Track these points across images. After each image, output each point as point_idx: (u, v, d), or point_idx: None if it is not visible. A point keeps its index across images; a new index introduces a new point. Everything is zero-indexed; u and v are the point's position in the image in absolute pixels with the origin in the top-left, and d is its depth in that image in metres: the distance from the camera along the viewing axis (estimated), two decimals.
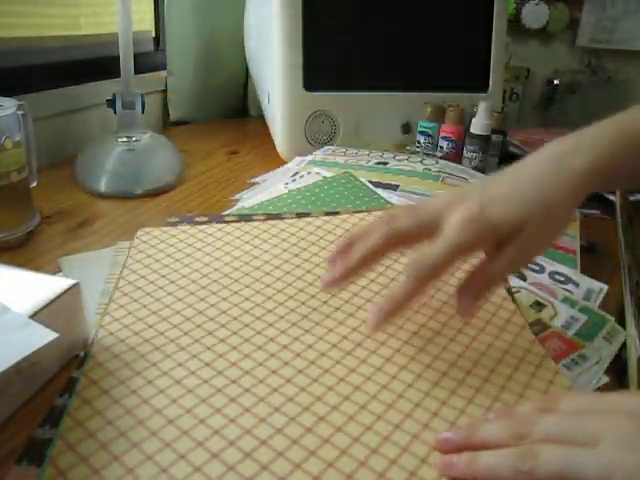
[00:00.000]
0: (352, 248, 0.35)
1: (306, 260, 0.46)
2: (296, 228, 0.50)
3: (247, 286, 0.42)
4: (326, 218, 0.52)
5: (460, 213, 0.33)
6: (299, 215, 0.53)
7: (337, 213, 0.54)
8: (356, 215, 0.53)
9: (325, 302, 0.40)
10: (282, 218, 0.53)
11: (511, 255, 0.34)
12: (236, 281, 0.43)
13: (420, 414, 0.31)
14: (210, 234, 0.49)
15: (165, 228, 0.50)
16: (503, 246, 0.34)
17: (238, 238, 0.49)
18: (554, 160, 0.36)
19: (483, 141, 0.69)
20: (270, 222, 0.51)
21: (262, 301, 0.40)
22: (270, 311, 0.39)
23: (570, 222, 0.39)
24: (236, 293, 0.41)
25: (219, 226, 0.50)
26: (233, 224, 0.51)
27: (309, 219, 0.52)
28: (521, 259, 0.36)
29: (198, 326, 0.37)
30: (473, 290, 0.34)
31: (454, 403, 0.32)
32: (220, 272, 0.44)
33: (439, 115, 0.74)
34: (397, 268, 0.45)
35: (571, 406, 0.27)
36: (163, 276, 0.43)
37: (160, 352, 0.35)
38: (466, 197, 0.35)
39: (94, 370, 0.33)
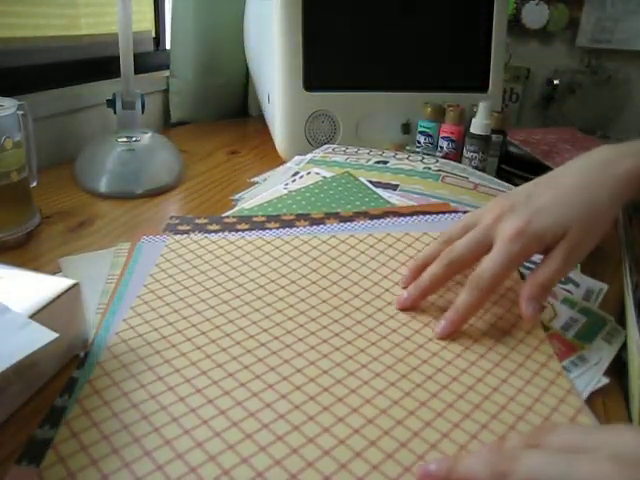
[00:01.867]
0: (419, 274, 0.41)
1: (323, 277, 0.45)
2: (318, 241, 0.49)
3: (269, 304, 0.41)
4: (344, 236, 0.51)
5: (509, 228, 0.37)
6: (299, 216, 0.53)
7: (337, 214, 0.54)
8: (373, 236, 0.51)
9: (348, 315, 0.40)
10: (283, 220, 0.53)
11: (557, 259, 0.37)
12: (259, 299, 0.41)
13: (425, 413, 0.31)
14: (240, 247, 0.48)
15: (195, 237, 0.49)
16: (550, 250, 0.38)
17: (267, 253, 0.47)
18: (599, 166, 0.40)
19: (483, 141, 0.69)
20: (287, 230, 0.51)
21: (281, 321, 0.39)
22: (290, 318, 0.39)
23: (611, 225, 0.40)
24: (257, 311, 0.40)
25: (250, 239, 0.49)
26: (253, 233, 0.50)
27: (328, 229, 0.51)
28: (568, 262, 0.37)
29: (217, 327, 0.37)
30: (533, 297, 0.37)
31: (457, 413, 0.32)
32: (243, 288, 0.42)
33: (439, 115, 0.74)
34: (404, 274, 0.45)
35: (557, 442, 0.26)
36: (190, 277, 0.43)
37: (176, 350, 0.35)
38: (513, 210, 0.38)
39: (108, 362, 0.33)
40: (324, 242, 0.49)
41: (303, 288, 0.43)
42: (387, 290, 0.43)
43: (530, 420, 0.31)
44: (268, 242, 0.49)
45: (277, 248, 0.48)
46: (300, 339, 0.37)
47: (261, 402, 0.31)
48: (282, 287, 0.43)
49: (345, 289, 0.43)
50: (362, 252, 0.48)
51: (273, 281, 0.43)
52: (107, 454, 0.27)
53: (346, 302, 0.41)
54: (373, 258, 0.47)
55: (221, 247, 0.48)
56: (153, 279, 0.43)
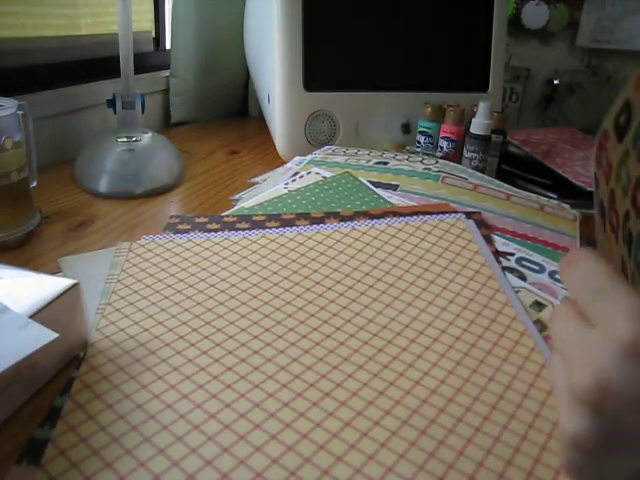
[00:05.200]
0: None
1: (315, 271, 0.45)
2: (304, 237, 0.49)
3: (244, 291, 0.42)
4: (334, 225, 0.52)
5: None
6: (299, 215, 0.53)
7: (337, 213, 0.54)
8: (362, 226, 0.53)
9: (323, 308, 0.40)
10: (283, 219, 0.53)
11: None
12: (233, 285, 0.42)
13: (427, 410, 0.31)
14: (217, 243, 0.48)
15: (167, 237, 0.49)
16: None
17: (245, 247, 0.48)
18: None
19: (483, 141, 0.69)
20: (278, 230, 0.51)
21: (259, 306, 0.40)
22: (267, 316, 0.39)
23: None
24: (233, 298, 0.41)
25: (217, 240, 0.49)
26: (253, 232, 0.50)
27: (328, 228, 0.52)
28: None
29: (194, 330, 0.37)
30: None
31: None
32: (217, 277, 0.43)
33: (439, 115, 0.74)
34: (396, 274, 0.45)
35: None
36: (160, 280, 0.43)
37: (155, 356, 0.35)
38: None
39: (88, 374, 0.33)
40: (291, 239, 0.49)
41: (275, 284, 0.43)
42: (379, 280, 0.43)
43: (510, 399, 0.32)
44: (235, 242, 0.48)
45: (245, 248, 0.48)
46: (280, 335, 0.37)
47: (250, 402, 0.31)
48: (250, 287, 0.43)
49: (338, 282, 0.43)
50: (366, 244, 0.48)
51: (244, 279, 0.43)
52: (107, 443, 0.28)
53: (320, 295, 0.41)
54: (379, 249, 0.47)
55: (197, 244, 0.48)
56: (122, 285, 0.42)
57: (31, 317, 0.30)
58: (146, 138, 0.69)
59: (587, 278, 0.22)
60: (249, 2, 0.93)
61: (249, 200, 0.58)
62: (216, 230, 0.51)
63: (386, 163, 0.67)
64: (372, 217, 0.53)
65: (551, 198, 0.66)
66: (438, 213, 0.54)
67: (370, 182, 0.61)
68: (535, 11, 1.15)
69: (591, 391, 0.20)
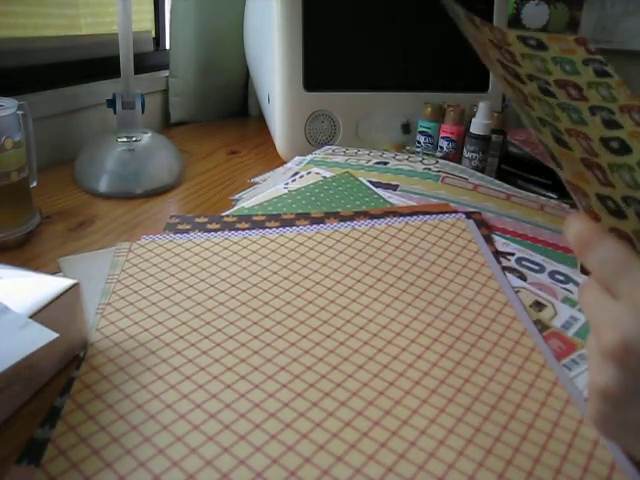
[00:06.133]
0: None
1: (315, 271, 0.45)
2: (304, 237, 0.49)
3: (244, 291, 0.42)
4: (334, 225, 0.52)
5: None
6: (299, 215, 0.53)
7: (337, 213, 0.54)
8: (362, 225, 0.53)
9: (323, 308, 0.40)
10: (283, 219, 0.53)
11: None
12: (234, 286, 0.42)
13: (427, 410, 0.31)
14: (217, 243, 0.48)
15: (160, 241, 0.49)
16: None
17: (245, 247, 0.48)
18: None
19: (483, 141, 0.69)
20: (278, 230, 0.51)
21: (259, 306, 0.40)
22: (267, 316, 0.39)
23: None
24: (233, 298, 0.41)
25: (217, 240, 0.49)
26: (253, 232, 0.50)
27: (328, 228, 0.52)
28: None
29: (194, 330, 0.37)
30: None
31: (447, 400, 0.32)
32: (217, 277, 0.43)
33: (439, 115, 0.74)
34: (396, 274, 0.45)
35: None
36: (160, 280, 0.43)
37: (156, 356, 0.35)
38: None
39: (88, 374, 0.33)
40: (291, 240, 0.49)
41: (276, 285, 0.43)
42: (379, 280, 0.43)
43: (510, 399, 0.32)
44: (235, 242, 0.48)
45: (245, 248, 0.48)
46: (280, 336, 0.37)
47: (250, 402, 0.31)
48: (251, 287, 0.43)
49: (338, 282, 0.43)
50: (366, 244, 0.48)
51: (244, 279, 0.43)
52: (107, 443, 0.28)
53: (320, 295, 0.42)
54: (379, 249, 0.47)
55: (197, 244, 0.48)
56: (122, 285, 0.42)
57: (31, 317, 0.30)
58: (146, 138, 0.69)
59: (606, 260, 0.25)
60: (249, 2, 0.93)
61: (249, 200, 0.58)
62: (216, 230, 0.51)
63: (386, 163, 0.67)
64: (372, 217, 0.53)
65: (551, 198, 0.66)
66: (438, 213, 0.54)
67: (370, 182, 0.61)
68: (535, 11, 1.15)
69: (617, 349, 0.24)
